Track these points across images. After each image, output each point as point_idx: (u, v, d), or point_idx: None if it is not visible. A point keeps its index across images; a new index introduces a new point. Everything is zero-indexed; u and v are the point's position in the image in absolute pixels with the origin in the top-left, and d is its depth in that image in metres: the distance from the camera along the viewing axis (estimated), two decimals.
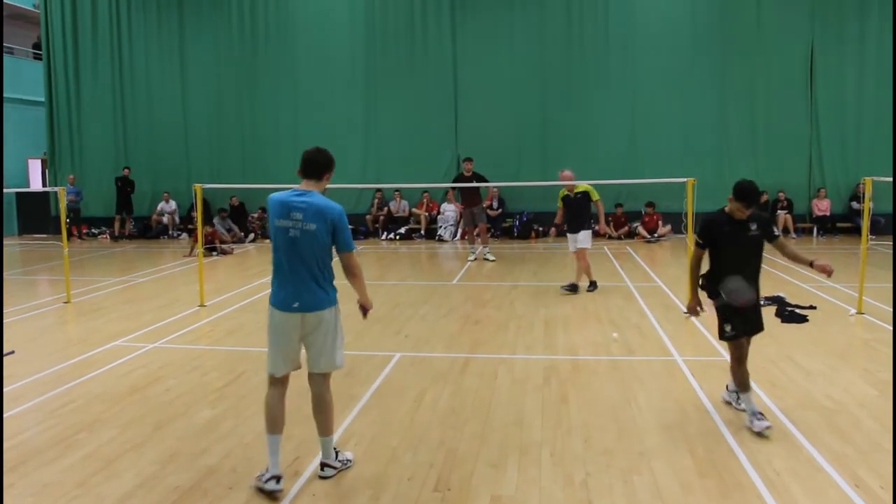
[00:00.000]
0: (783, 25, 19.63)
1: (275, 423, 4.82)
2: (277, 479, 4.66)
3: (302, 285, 4.77)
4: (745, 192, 5.58)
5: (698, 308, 5.94)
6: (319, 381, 5.02)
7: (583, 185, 11.45)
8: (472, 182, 14.77)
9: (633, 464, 5.03)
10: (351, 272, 5.01)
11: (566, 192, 11.57)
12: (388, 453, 5.29)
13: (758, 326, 5.85)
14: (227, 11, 21.89)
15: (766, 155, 19.95)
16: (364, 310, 5.09)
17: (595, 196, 11.51)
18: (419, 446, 5.40)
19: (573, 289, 11.51)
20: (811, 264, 5.65)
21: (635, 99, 20.23)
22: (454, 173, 20.49)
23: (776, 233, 5.83)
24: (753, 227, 5.67)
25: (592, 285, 11.68)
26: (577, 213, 11.52)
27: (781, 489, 4.60)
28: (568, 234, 11.69)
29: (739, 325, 5.67)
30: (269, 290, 4.89)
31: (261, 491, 4.66)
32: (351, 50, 21.34)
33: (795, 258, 5.84)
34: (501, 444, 5.42)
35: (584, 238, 11.46)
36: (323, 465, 4.98)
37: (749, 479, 4.75)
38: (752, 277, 5.68)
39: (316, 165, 4.92)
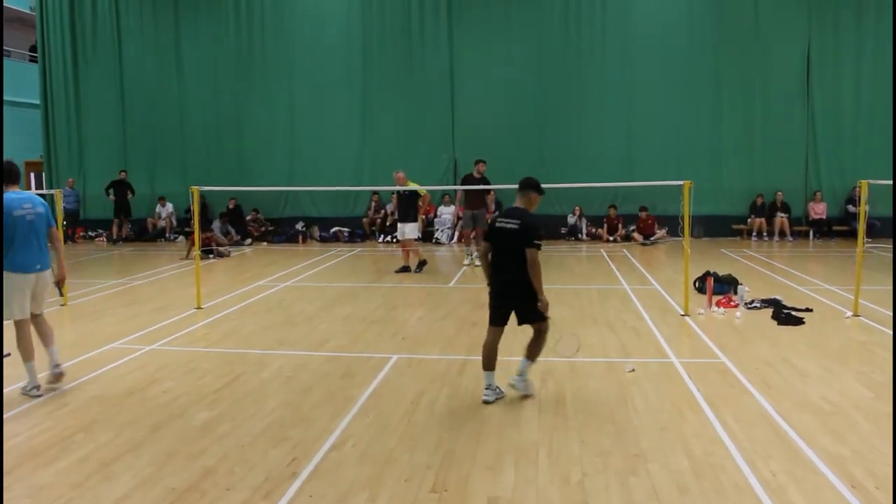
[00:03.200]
0: (780, 28, 19.70)
1: (33, 351, 6.77)
2: (38, 387, 6.72)
3: (40, 253, 6.81)
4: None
5: None
6: (39, 316, 7.01)
7: (412, 185, 13.59)
8: (481, 184, 14.65)
9: (629, 465, 5.04)
10: (57, 239, 7.20)
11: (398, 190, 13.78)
12: (385, 455, 5.29)
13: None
14: (223, 13, 21.91)
15: (762, 158, 20.01)
16: (61, 281, 7.30)
17: (423, 191, 14.03)
18: (416, 448, 5.41)
19: (405, 269, 14.10)
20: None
21: (632, 101, 20.27)
22: (451, 176, 20.53)
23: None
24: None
25: (422, 264, 14.16)
26: (403, 208, 14.04)
27: (778, 490, 4.61)
28: (398, 224, 14.22)
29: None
30: (9, 261, 6.54)
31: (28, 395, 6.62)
32: (347, 52, 21.37)
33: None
34: (498, 445, 5.42)
35: (410, 230, 14.00)
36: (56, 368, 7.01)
37: (745, 480, 4.76)
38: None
39: (17, 173, 7.02)
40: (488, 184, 14.68)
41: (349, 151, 21.26)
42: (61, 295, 7.40)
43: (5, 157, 6.98)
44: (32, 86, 23.40)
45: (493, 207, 20.03)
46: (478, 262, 15.13)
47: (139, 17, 22.38)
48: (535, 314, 6.32)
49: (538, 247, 6.17)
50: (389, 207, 20.96)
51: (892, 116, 17.70)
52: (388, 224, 20.17)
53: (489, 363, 6.42)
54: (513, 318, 6.45)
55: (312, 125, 21.47)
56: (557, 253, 17.41)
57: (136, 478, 4.97)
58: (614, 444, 5.42)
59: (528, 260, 6.13)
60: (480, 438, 5.55)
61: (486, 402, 6.34)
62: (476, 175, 14.93)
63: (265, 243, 20.25)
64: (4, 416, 6.15)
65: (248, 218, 21.01)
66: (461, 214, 15.76)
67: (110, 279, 14.00)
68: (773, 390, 6.58)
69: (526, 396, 6.45)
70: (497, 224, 6.38)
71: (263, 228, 21.01)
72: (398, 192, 13.51)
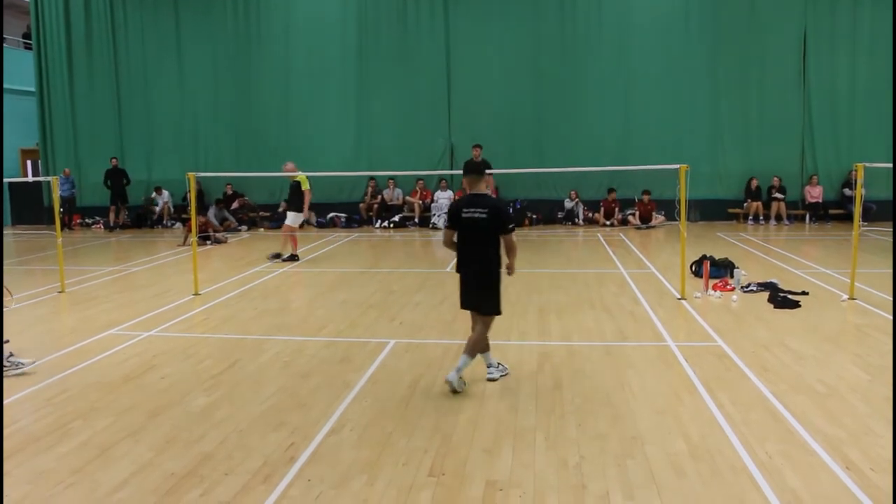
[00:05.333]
0: (776, 12, 19.63)
1: None
2: None
3: None
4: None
5: None
6: None
7: (298, 176, 13.88)
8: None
9: (626, 448, 5.06)
10: None
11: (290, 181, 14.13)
12: (382, 439, 5.31)
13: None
14: (221, 0, 21.78)
15: (758, 142, 20.00)
16: None
17: (305, 186, 13.90)
18: (414, 432, 5.43)
19: (277, 256, 13.97)
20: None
21: (628, 85, 20.22)
22: (448, 160, 20.53)
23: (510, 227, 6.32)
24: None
25: (293, 258, 13.89)
26: (290, 197, 14.24)
27: (773, 472, 4.64)
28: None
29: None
30: None
31: None
32: (343, 38, 21.27)
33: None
34: (496, 429, 5.45)
35: (290, 218, 13.98)
36: None
37: (741, 461, 4.79)
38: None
39: None
40: (487, 167, 15.09)
41: (346, 137, 21.21)
42: None
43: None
44: (27, 73, 23.24)
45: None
46: None
47: (135, 2, 22.21)
48: (488, 306, 6.45)
49: (513, 230, 6.35)
50: (387, 193, 20.99)
51: (893, 99, 17.67)
52: (380, 211, 20.24)
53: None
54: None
55: (309, 111, 21.40)
56: (554, 237, 17.43)
57: (136, 463, 4.99)
58: (611, 427, 5.44)
59: (507, 245, 6.36)
60: (478, 422, 5.58)
61: (491, 380, 6.52)
62: (475, 160, 15.45)
63: (262, 229, 20.23)
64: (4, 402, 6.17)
65: (234, 207, 20.81)
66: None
67: (108, 266, 13.99)
68: (769, 373, 6.61)
69: (455, 392, 6.19)
70: (465, 214, 6.29)
71: (253, 214, 20.94)
72: (289, 181, 14.19)
